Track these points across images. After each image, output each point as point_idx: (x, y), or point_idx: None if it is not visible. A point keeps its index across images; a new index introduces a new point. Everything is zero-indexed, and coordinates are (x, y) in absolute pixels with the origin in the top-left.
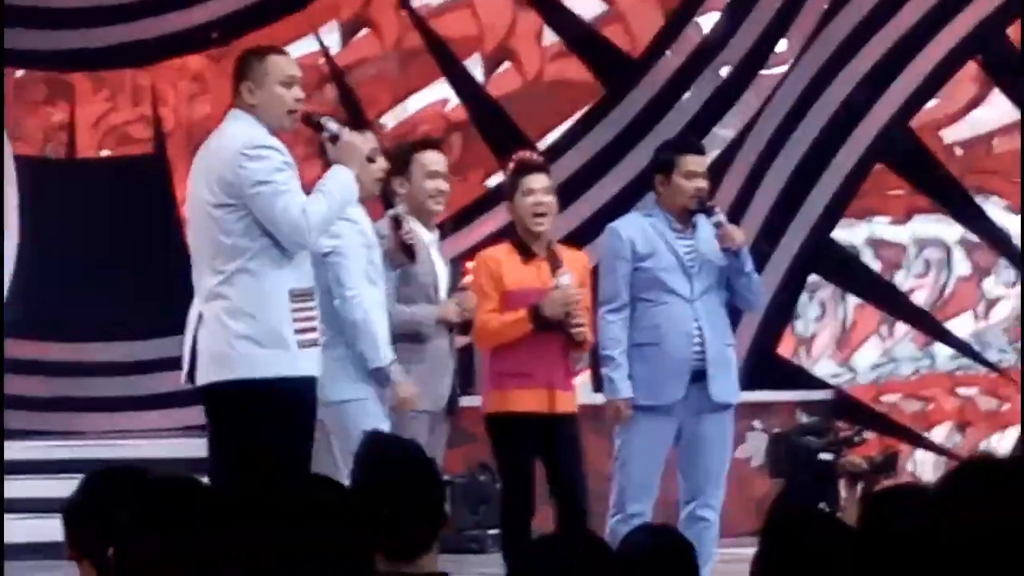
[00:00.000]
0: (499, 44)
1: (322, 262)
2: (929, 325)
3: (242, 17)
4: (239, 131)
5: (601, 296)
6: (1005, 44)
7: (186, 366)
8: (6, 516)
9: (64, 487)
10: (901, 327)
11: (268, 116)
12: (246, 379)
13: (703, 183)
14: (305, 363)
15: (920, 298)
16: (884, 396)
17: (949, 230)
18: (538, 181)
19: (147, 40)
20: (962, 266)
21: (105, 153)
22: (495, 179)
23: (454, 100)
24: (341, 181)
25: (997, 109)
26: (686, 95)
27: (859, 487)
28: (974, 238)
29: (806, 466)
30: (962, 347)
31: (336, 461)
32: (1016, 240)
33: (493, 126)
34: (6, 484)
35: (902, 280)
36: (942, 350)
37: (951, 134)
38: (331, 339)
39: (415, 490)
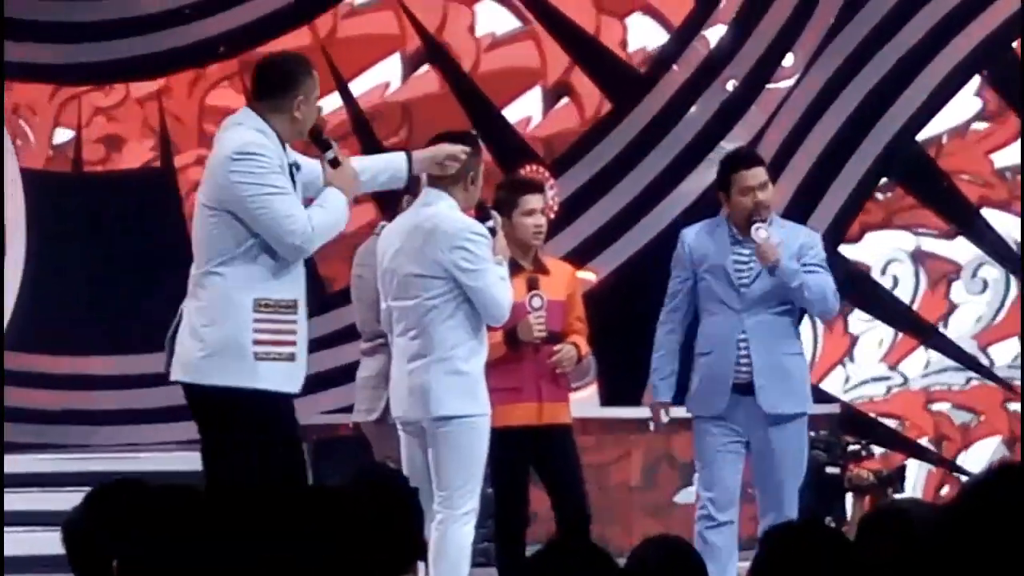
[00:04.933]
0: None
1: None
2: (938, 340)
3: (248, 32)
4: (234, 136)
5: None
6: (1011, 58)
7: (165, 358)
8: (11, 529)
9: (71, 500)
10: (866, 349)
11: (303, 128)
12: (197, 384)
13: (761, 196)
14: (265, 375)
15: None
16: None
17: (909, 242)
18: (537, 201)
19: (154, 54)
20: (925, 277)
21: (112, 167)
22: None
23: (395, 83)
24: (339, 204)
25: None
26: (692, 109)
27: (866, 501)
28: (930, 248)
29: (813, 480)
30: (971, 362)
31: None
32: None
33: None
34: (17, 497)
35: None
36: (913, 368)
37: (1002, 158)
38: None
39: (395, 518)
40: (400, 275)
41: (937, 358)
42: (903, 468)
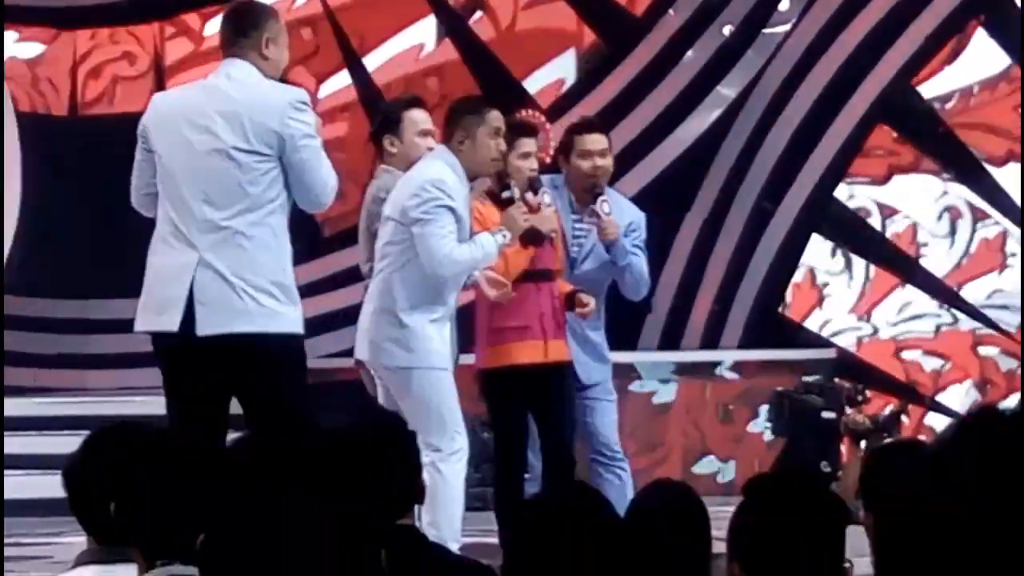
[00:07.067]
0: None
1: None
2: (932, 285)
3: None
4: (273, 84)
5: None
6: (1008, 3)
7: (180, 314)
8: (9, 473)
9: (70, 443)
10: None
11: (277, 69)
12: (265, 333)
13: (601, 162)
14: (301, 320)
15: (942, 258)
16: (904, 353)
17: (842, 191)
18: (532, 144)
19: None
20: (985, 226)
21: (107, 110)
22: None
23: (429, 45)
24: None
25: (977, 63)
26: (688, 54)
27: (862, 446)
28: (869, 196)
29: (809, 425)
30: (962, 306)
31: None
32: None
33: (483, 72)
34: (12, 441)
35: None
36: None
37: (929, 89)
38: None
39: (394, 463)
40: (383, 217)
41: (987, 302)
42: (899, 413)
